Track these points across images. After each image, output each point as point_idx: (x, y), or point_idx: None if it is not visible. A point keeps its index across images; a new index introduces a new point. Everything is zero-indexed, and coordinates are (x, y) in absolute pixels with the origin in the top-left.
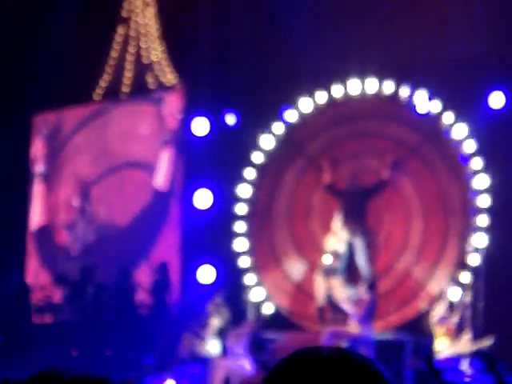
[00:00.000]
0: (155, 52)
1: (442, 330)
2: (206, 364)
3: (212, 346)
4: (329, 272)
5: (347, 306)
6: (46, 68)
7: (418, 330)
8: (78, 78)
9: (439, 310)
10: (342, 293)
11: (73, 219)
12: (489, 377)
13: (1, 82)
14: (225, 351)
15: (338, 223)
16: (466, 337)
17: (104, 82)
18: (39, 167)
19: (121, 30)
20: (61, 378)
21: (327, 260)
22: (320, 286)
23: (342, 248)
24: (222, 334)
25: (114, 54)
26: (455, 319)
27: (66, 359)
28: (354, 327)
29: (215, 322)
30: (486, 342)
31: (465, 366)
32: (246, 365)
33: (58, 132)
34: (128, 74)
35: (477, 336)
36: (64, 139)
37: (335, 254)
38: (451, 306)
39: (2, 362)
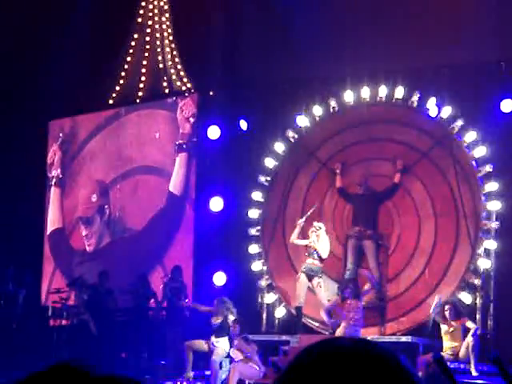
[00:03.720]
0: (170, 58)
1: (445, 329)
2: (218, 367)
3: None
4: (311, 272)
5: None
6: (61, 74)
7: (430, 333)
8: (93, 84)
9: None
10: (323, 294)
11: (91, 214)
12: (501, 380)
13: (17, 89)
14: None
15: (314, 226)
16: (470, 338)
17: (119, 87)
18: (55, 172)
19: (136, 35)
20: (86, 374)
21: (310, 260)
22: (302, 286)
23: (324, 251)
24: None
25: (129, 59)
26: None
27: (81, 361)
28: (340, 330)
29: (218, 320)
30: None
31: (472, 368)
32: (257, 367)
33: (74, 137)
34: (143, 80)
35: (487, 338)
36: (79, 144)
37: (317, 255)
38: (458, 308)
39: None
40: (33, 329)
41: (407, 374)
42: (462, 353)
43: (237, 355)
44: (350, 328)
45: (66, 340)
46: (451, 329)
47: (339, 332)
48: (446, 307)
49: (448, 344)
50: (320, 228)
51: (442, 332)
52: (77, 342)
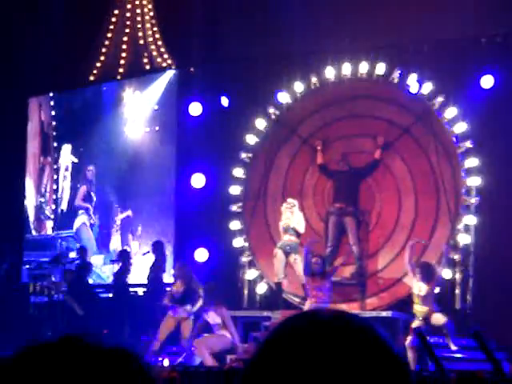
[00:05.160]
0: (150, 34)
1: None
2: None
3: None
4: (288, 248)
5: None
6: (41, 50)
7: (409, 308)
8: (74, 60)
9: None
10: (302, 269)
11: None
12: (480, 353)
13: None
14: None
15: (286, 204)
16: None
17: (100, 63)
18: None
19: (116, 11)
20: (94, 347)
21: (286, 237)
22: (279, 262)
23: (300, 225)
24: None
25: (109, 35)
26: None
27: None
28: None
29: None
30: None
31: (450, 343)
32: (227, 335)
33: (55, 113)
34: (123, 56)
35: (467, 313)
36: (62, 120)
37: (293, 231)
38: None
39: None
40: (13, 305)
41: (385, 344)
42: (433, 320)
43: (214, 320)
44: (313, 306)
45: (46, 317)
46: (422, 292)
47: (305, 309)
48: (417, 270)
49: (419, 308)
50: (294, 205)
51: (414, 295)
52: (58, 318)
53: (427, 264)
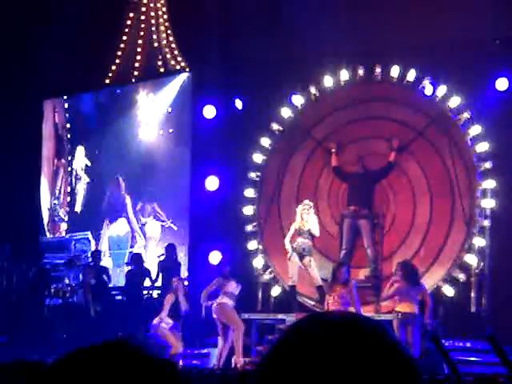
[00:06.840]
0: (164, 37)
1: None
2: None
3: None
4: (302, 251)
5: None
6: (56, 53)
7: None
8: (88, 63)
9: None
10: (316, 272)
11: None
12: (494, 357)
13: (12, 67)
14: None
15: (302, 206)
16: None
17: (115, 66)
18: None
19: (131, 15)
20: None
21: (300, 239)
22: (294, 265)
23: (316, 229)
24: None
25: (124, 38)
26: None
27: (78, 341)
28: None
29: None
30: None
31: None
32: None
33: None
34: (138, 59)
35: (482, 316)
36: (76, 123)
37: (308, 234)
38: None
39: (15, 343)
40: (28, 307)
41: (396, 347)
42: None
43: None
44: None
45: (62, 319)
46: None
47: None
48: (397, 267)
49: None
50: (311, 207)
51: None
52: (73, 320)
53: (406, 263)
